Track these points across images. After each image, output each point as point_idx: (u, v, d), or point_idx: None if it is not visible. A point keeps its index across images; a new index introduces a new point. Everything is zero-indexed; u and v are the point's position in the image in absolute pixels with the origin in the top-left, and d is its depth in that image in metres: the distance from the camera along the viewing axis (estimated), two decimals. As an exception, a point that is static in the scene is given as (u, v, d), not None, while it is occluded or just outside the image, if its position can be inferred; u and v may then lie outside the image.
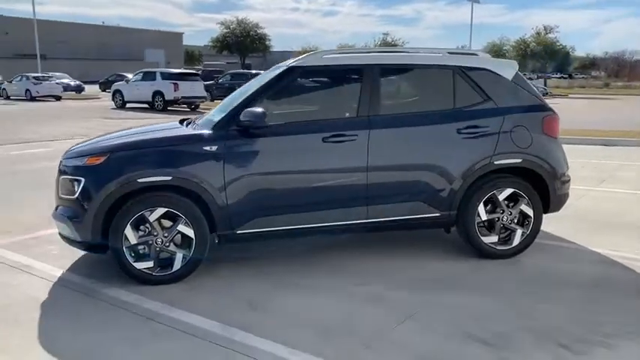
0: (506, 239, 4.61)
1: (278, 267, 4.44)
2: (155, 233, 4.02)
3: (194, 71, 25.50)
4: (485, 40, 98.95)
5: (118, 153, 4.01)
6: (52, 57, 52.79)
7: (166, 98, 23.19)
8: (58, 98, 31.10)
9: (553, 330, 3.35)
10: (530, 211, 4.57)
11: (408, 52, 4.72)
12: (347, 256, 4.66)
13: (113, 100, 25.56)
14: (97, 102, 29.15)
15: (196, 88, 24.04)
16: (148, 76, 24.29)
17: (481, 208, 4.49)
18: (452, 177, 4.39)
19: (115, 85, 25.99)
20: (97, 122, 17.47)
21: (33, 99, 30.03)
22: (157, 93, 23.48)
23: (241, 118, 4.06)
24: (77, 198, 3.97)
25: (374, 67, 4.41)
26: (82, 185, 3.95)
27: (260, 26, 68.02)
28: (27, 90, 30.40)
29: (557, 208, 4.80)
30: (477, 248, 4.57)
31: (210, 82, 28.61)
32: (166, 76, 23.67)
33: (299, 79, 4.42)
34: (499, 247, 4.58)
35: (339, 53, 4.58)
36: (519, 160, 4.50)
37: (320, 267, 4.43)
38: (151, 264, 4.04)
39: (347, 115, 4.37)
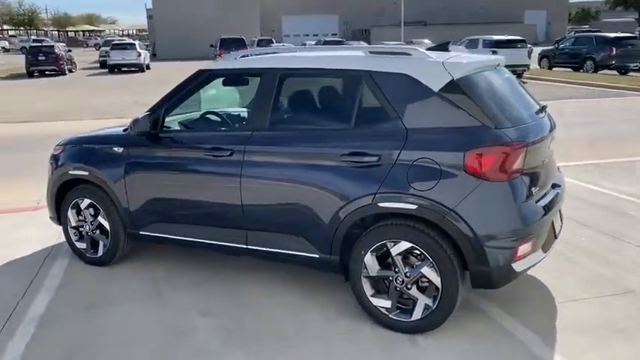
0: (409, 308, 3.39)
1: (165, 273, 4.39)
2: (86, 220, 4.58)
3: (519, 37, 23.50)
4: None
5: (67, 146, 4.66)
6: (431, 23, 56.20)
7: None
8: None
9: None
10: (436, 279, 3.24)
11: (322, 54, 3.79)
12: (254, 281, 4.21)
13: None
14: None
15: (519, 56, 22.27)
16: (472, 44, 23.80)
17: (369, 260, 3.41)
18: (330, 214, 3.47)
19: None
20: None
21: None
22: (477, 61, 22.83)
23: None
24: (48, 180, 4.83)
25: (272, 72, 3.77)
26: (49, 169, 4.78)
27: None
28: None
29: (488, 284, 3.24)
30: (364, 309, 3.53)
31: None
32: (487, 44, 22.77)
33: (208, 83, 4.14)
34: (393, 316, 3.41)
35: (256, 54, 4.05)
36: (413, 207, 3.21)
37: (211, 284, 4.18)
38: (84, 245, 4.63)
39: (236, 126, 3.91)
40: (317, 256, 3.61)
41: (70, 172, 4.51)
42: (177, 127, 4.25)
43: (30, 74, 27.69)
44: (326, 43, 32.83)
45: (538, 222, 3.23)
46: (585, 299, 3.82)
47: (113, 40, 33.94)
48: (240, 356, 3.25)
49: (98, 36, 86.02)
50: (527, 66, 22.61)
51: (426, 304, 3.31)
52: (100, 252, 4.55)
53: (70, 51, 33.98)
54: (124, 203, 4.28)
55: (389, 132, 3.33)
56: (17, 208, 6.20)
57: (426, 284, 3.31)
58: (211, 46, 35.03)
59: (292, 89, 3.87)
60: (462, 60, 3.47)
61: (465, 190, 3.11)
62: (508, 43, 22.54)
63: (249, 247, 3.88)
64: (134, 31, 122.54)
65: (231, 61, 4.09)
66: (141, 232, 4.33)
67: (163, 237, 4.25)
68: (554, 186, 3.73)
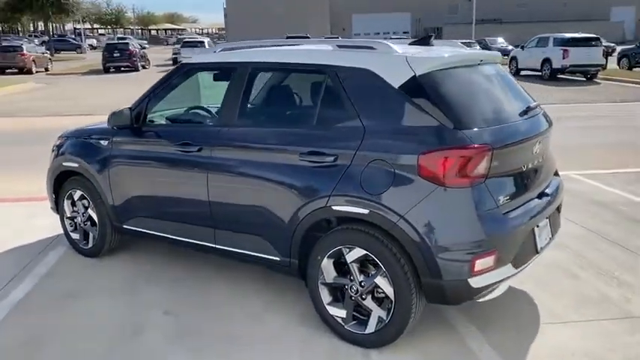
0: (365, 319, 3.17)
1: (151, 267, 4.38)
2: (78, 211, 4.65)
3: (594, 35, 22.02)
4: None
5: (65, 138, 4.74)
6: (508, 21, 54.10)
7: (553, 66, 21.23)
8: (478, 63, 32.25)
9: None
10: (389, 290, 3.00)
11: (291, 48, 3.60)
12: (229, 280, 4.10)
13: (509, 66, 25.01)
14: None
15: (592, 55, 20.97)
16: (542, 42, 22.59)
17: (326, 265, 3.22)
18: (289, 216, 3.31)
19: (513, 52, 25.28)
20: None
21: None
22: (546, 60, 21.71)
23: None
24: (47, 170, 4.92)
25: (243, 66, 3.65)
26: (50, 160, 4.88)
27: None
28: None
29: (443, 300, 2.96)
30: (320, 317, 3.34)
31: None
32: (558, 42, 21.51)
33: (189, 77, 4.06)
34: (349, 327, 3.20)
35: (235, 48, 3.92)
36: (366, 211, 2.98)
37: (187, 282, 4.12)
38: (77, 236, 4.71)
39: (208, 122, 3.82)
40: (278, 259, 3.46)
41: (64, 164, 4.59)
42: (160, 122, 4.21)
43: (106, 70, 29.15)
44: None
45: (504, 234, 2.91)
46: (576, 322, 3.43)
47: (184, 39, 35.08)
48: (182, 357, 3.16)
49: (179, 34, 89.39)
50: (602, 66, 21.19)
51: (379, 317, 3.08)
52: (91, 243, 4.60)
53: (144, 48, 35.45)
54: (109, 196, 4.31)
55: (348, 131, 3.12)
56: (37, 197, 6.41)
57: (382, 295, 3.08)
58: (278, 44, 35.40)
59: (261, 84, 3.73)
60: (430, 55, 3.19)
61: (418, 196, 2.85)
62: (581, 42, 21.19)
63: (217, 246, 3.78)
64: (214, 30, 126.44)
65: (211, 54, 4.01)
66: (124, 226, 4.33)
67: (144, 232, 4.23)
68: (541, 195, 3.37)
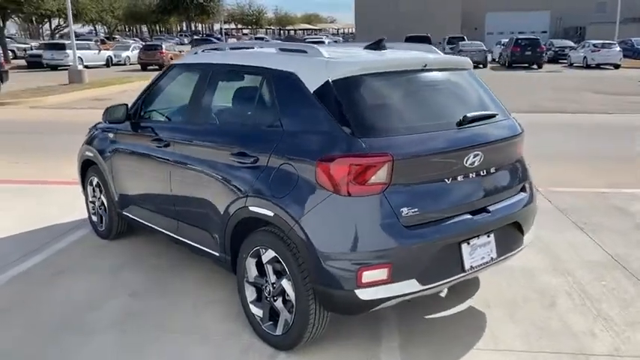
0: (277, 320, 3.18)
1: (146, 254, 4.66)
2: (96, 196, 5.12)
3: None
4: None
5: (92, 130, 5.22)
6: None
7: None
8: (617, 66, 29.54)
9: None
10: (292, 293, 2.99)
11: (248, 51, 3.64)
12: (200, 271, 4.28)
13: (646, 70, 22.59)
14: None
15: None
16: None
17: (249, 264, 3.28)
18: (220, 213, 3.42)
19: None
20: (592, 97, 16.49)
21: (588, 66, 29.72)
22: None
23: None
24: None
25: (208, 67, 3.83)
26: (82, 148, 5.42)
27: None
28: (584, 57, 30.32)
29: (333, 308, 2.91)
30: (245, 314, 3.39)
31: None
32: None
33: (176, 76, 4.29)
34: (265, 327, 3.23)
35: (214, 49, 4.08)
36: (271, 214, 2.98)
37: (166, 269, 4.36)
38: (95, 219, 5.18)
39: (180, 119, 4.03)
40: (217, 254, 3.58)
41: (85, 153, 5.08)
42: (150, 119, 4.49)
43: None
44: (517, 40, 30.71)
45: (401, 248, 2.75)
46: (513, 351, 3.14)
47: (306, 38, 36.24)
48: (109, 338, 3.38)
49: (315, 34, 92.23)
50: None
51: (286, 320, 3.08)
52: (103, 226, 5.06)
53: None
54: (111, 184, 4.71)
55: (269, 133, 3.15)
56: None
57: (290, 299, 3.08)
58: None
59: (219, 85, 3.83)
60: (351, 60, 3.09)
61: (313, 202, 2.81)
62: None
63: (178, 237, 3.99)
64: (349, 30, 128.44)
65: (193, 55, 4.22)
66: (123, 213, 4.71)
67: (136, 220, 4.57)
68: (480, 211, 3.11)
